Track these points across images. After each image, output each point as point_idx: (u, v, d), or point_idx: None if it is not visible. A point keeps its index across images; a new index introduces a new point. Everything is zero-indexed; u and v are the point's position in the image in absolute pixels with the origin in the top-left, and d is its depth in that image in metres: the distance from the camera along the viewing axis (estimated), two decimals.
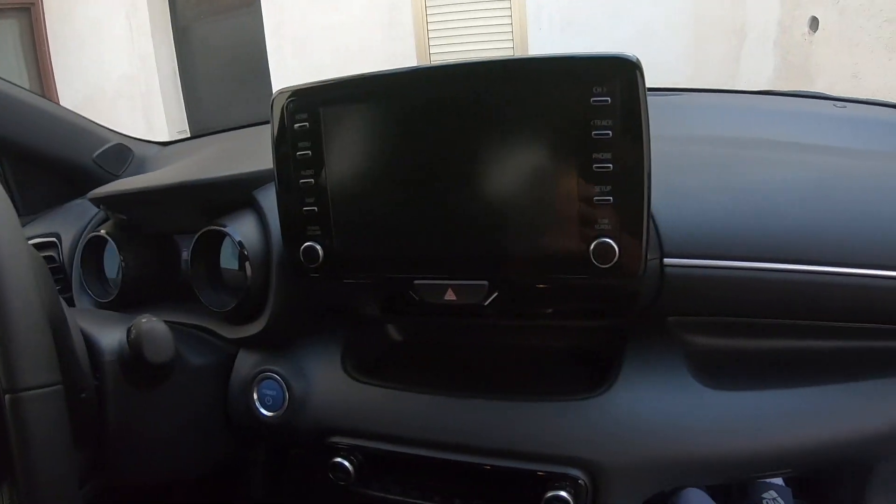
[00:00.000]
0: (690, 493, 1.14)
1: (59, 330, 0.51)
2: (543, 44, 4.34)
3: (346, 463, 0.65)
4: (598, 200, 0.51)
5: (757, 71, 3.91)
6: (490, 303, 0.57)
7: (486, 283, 0.55)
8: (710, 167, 0.68)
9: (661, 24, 4.11)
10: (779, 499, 1.10)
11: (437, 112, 0.55)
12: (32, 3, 5.59)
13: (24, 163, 1.02)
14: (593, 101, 0.50)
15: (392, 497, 0.65)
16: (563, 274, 0.54)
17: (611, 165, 0.50)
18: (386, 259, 0.58)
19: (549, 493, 0.57)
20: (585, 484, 0.57)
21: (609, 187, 0.51)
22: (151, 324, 0.57)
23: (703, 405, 0.60)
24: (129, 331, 0.58)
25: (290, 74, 4.89)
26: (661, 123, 0.81)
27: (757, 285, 0.58)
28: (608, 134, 0.50)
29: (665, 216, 0.58)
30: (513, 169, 0.53)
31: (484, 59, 0.54)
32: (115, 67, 5.46)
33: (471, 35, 4.40)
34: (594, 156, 0.50)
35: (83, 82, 5.58)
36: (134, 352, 0.58)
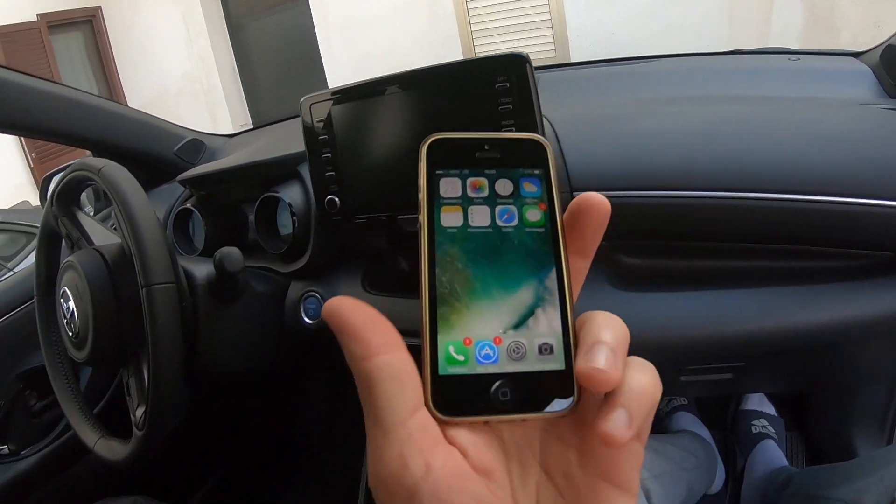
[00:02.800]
0: (682, 416, 1.24)
1: (172, 259, 0.73)
2: (579, 12, 4.36)
3: None
4: None
5: (787, 26, 3.86)
6: None
7: None
8: (620, 121, 0.81)
9: None
10: (769, 426, 1.18)
11: (402, 105, 0.73)
12: (93, 16, 5.80)
13: (122, 161, 1.16)
14: (497, 86, 0.68)
15: None
16: None
17: (514, 128, 0.67)
18: (379, 203, 0.79)
19: None
20: None
21: None
22: (228, 248, 0.80)
23: (616, 303, 0.73)
24: (214, 255, 0.80)
25: (341, 62, 5.01)
26: (608, 90, 0.98)
27: (651, 210, 0.70)
28: (510, 107, 0.68)
29: (574, 159, 0.73)
30: None
31: (427, 66, 0.72)
32: (176, 67, 5.63)
33: (509, 8, 4.47)
34: (502, 122, 0.68)
35: (148, 84, 5.78)
36: (217, 267, 0.79)
